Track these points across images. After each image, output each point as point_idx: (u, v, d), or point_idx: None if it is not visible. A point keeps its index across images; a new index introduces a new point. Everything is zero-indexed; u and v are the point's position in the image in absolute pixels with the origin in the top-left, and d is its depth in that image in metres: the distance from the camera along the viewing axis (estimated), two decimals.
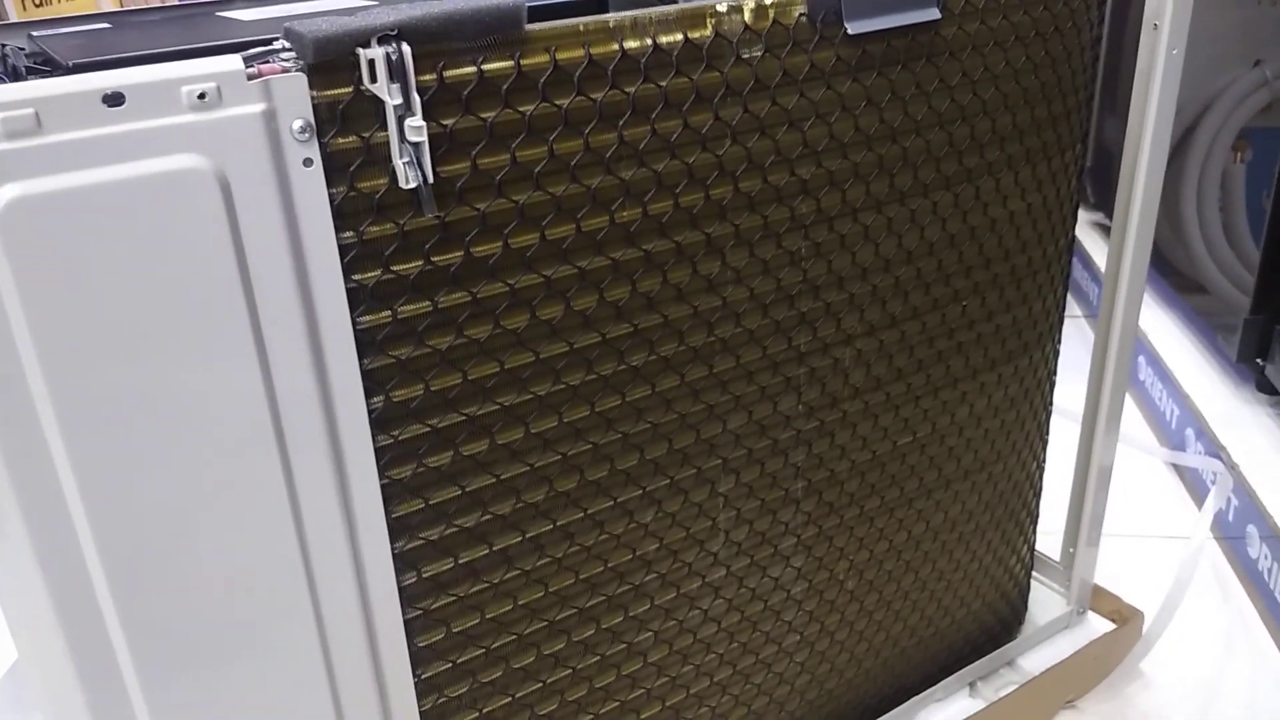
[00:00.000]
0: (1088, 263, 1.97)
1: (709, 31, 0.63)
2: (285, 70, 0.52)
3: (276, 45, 0.53)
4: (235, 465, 0.56)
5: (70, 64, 0.56)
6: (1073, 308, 1.97)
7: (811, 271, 0.74)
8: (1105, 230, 2.06)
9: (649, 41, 0.61)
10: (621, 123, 0.62)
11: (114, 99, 0.48)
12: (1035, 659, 1.08)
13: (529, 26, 0.58)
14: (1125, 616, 1.11)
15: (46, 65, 0.59)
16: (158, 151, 0.49)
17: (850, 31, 0.68)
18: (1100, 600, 1.13)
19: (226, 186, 0.51)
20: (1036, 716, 1.07)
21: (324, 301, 0.56)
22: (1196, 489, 1.41)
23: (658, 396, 0.71)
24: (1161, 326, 1.71)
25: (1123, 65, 1.94)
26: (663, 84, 0.63)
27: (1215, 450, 1.37)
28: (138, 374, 0.52)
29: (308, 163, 0.53)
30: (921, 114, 0.74)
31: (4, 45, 0.66)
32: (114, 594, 0.55)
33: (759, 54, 0.65)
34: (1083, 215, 2.17)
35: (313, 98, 0.52)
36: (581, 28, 0.59)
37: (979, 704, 1.03)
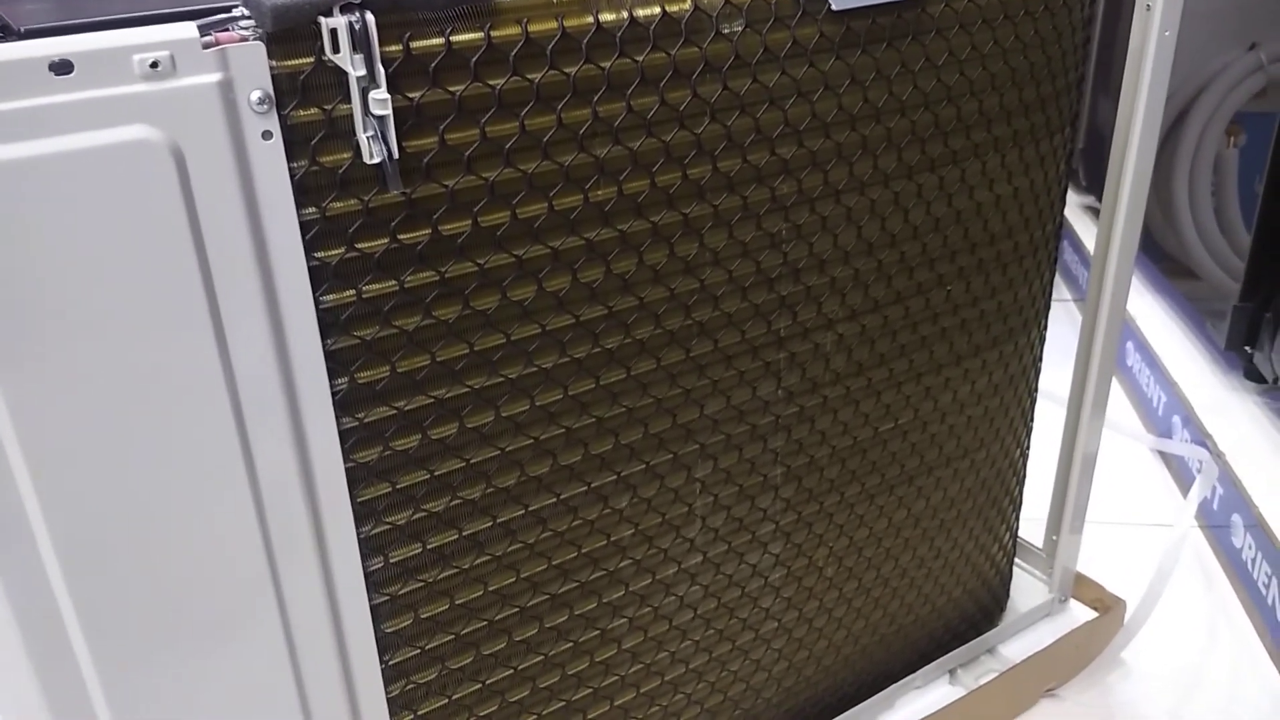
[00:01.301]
0: (1078, 246, 1.96)
1: (688, 5, 0.61)
2: (243, 39, 0.50)
3: (235, 12, 0.51)
4: (193, 447, 0.54)
5: (22, 29, 0.54)
6: (1063, 291, 1.96)
7: (792, 254, 0.72)
8: (1097, 213, 2.05)
9: (625, 14, 0.59)
10: (596, 98, 0.60)
11: (62, 67, 0.46)
12: (1016, 646, 1.07)
13: None
14: (1107, 605, 1.10)
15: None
16: (108, 122, 0.47)
17: (835, 7, 0.66)
18: (1083, 588, 1.12)
19: (181, 159, 0.49)
20: (1017, 704, 1.06)
21: (285, 280, 0.54)
22: (1183, 477, 1.40)
23: (633, 380, 0.69)
24: (1151, 312, 1.70)
25: (1117, 45, 1.92)
26: (639, 59, 0.61)
27: (1201, 438, 1.36)
28: (89, 354, 0.50)
29: (267, 135, 0.51)
30: (907, 94, 0.72)
31: None
32: (69, 582, 0.54)
33: (739, 29, 0.64)
34: (1074, 198, 2.16)
35: (272, 68, 0.50)
36: None
37: (959, 691, 1.02)
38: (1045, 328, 0.94)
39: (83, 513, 0.52)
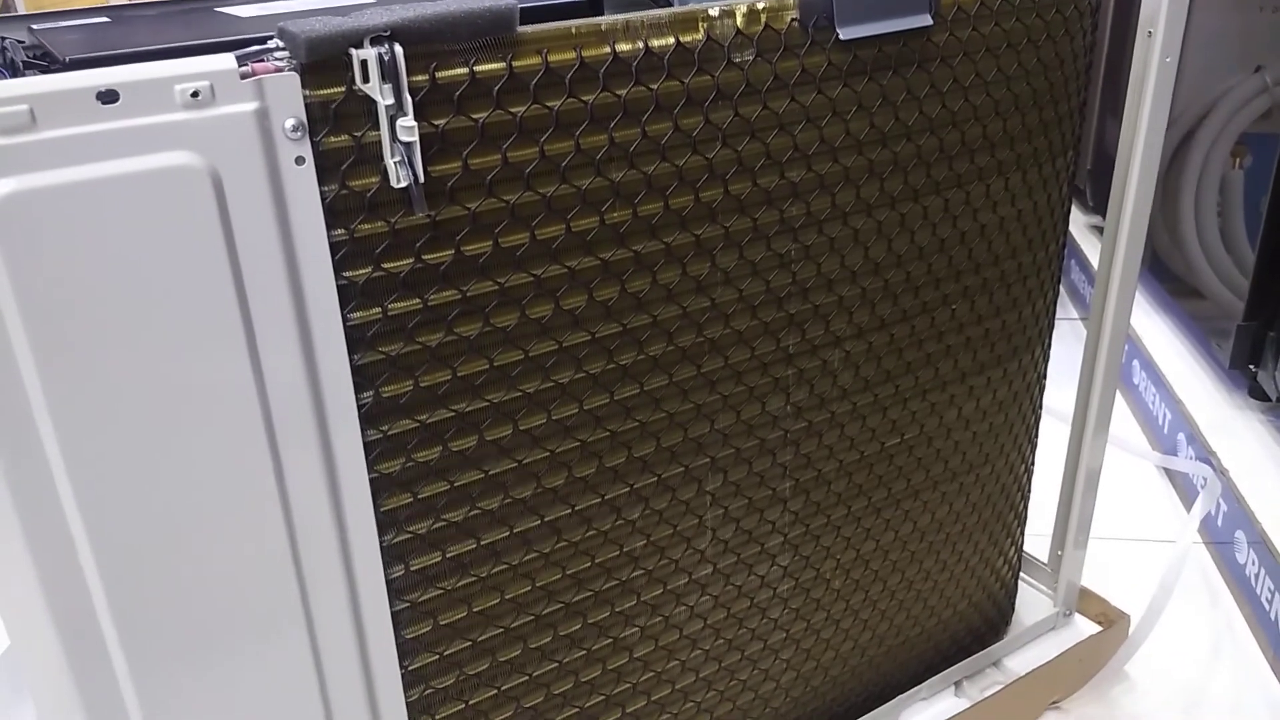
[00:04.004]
0: (1085, 265, 1.97)
1: (701, 35, 0.64)
2: (278, 69, 0.52)
3: (270, 44, 0.54)
4: (226, 457, 0.57)
5: (67, 59, 0.57)
6: (1071, 310, 1.97)
7: (800, 274, 0.75)
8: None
9: (640, 45, 0.62)
10: (612, 125, 0.62)
11: (108, 96, 0.49)
12: (1021, 659, 1.09)
13: (521, 28, 0.58)
14: (1111, 619, 1.12)
15: (44, 60, 0.60)
16: (151, 148, 0.50)
17: (842, 37, 0.69)
18: (1087, 602, 1.13)
19: (219, 183, 0.52)
20: (1021, 717, 1.08)
21: (315, 298, 0.56)
22: (1187, 494, 1.41)
23: (646, 395, 0.71)
24: (1157, 331, 1.72)
25: (1125, 68, 1.94)
26: (654, 87, 0.63)
27: (1206, 455, 1.38)
28: (130, 369, 0.53)
29: (300, 161, 0.54)
30: (913, 119, 0.74)
31: (4, 39, 0.66)
32: (106, 586, 0.56)
33: (750, 58, 0.66)
34: (1082, 218, 2.18)
35: (305, 97, 0.53)
36: (574, 30, 0.60)
37: (964, 703, 1.04)
38: (1049, 346, 0.96)
39: (120, 519, 0.55)
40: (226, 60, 0.51)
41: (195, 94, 0.50)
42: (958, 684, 1.06)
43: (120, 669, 0.58)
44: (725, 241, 0.70)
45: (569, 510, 0.72)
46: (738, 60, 0.66)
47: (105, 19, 0.72)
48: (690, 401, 0.74)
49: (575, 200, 0.63)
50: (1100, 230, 2.09)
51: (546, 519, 0.71)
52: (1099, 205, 2.10)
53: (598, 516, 0.73)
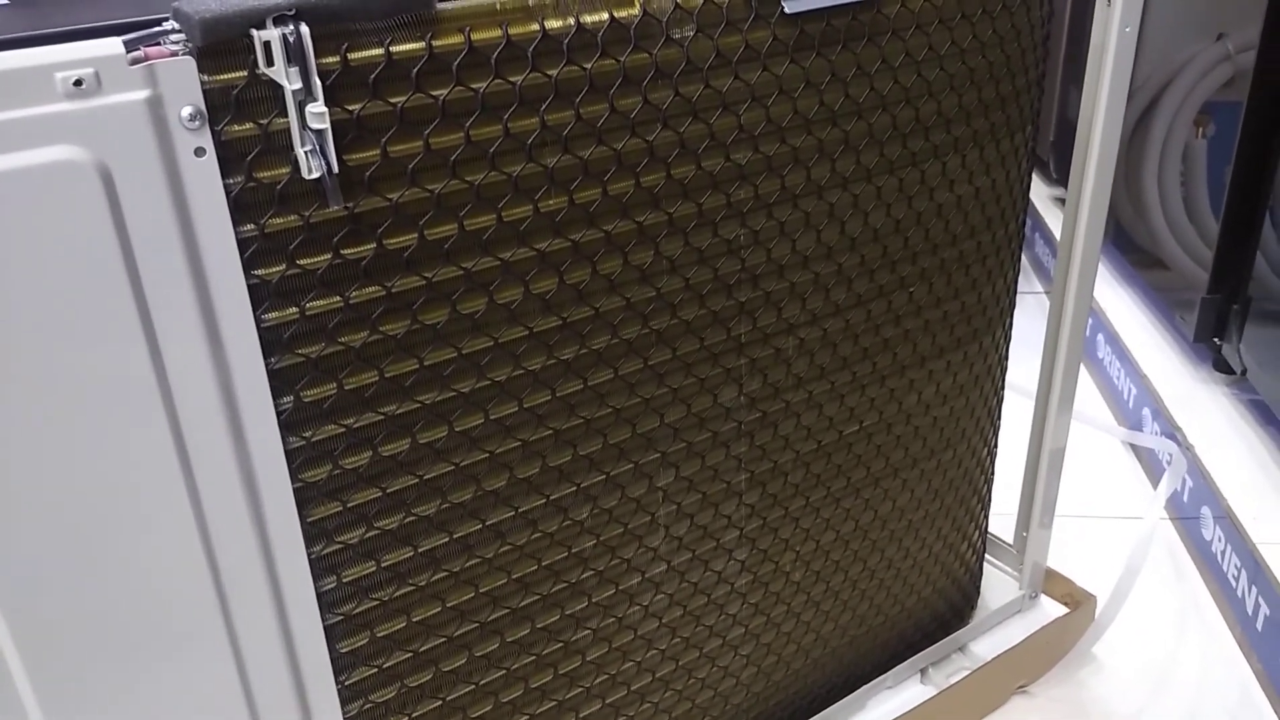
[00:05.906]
0: (1049, 239, 1.96)
1: (637, 10, 0.60)
2: (172, 54, 0.48)
3: (165, 26, 0.49)
4: (129, 469, 0.53)
5: None
6: (1036, 284, 1.95)
7: (750, 260, 0.71)
8: None
9: (571, 21, 0.58)
10: (543, 107, 0.59)
11: None
12: (987, 644, 1.07)
13: (441, 5, 0.54)
14: (1078, 600, 1.10)
15: None
16: (30, 143, 0.46)
17: (787, 10, 0.65)
18: (1053, 584, 1.12)
19: (109, 179, 0.48)
20: (988, 702, 1.06)
21: (223, 299, 0.53)
22: (1153, 469, 1.40)
23: (590, 391, 0.68)
24: (1122, 304, 1.70)
25: (1087, 37, 1.92)
26: (587, 66, 0.59)
27: (1171, 430, 1.36)
28: (21, 381, 0.49)
29: (199, 152, 0.50)
30: (864, 96, 0.71)
31: None
32: (4, 608, 0.52)
33: (690, 34, 0.62)
34: (1046, 190, 2.16)
35: (203, 83, 0.49)
36: (498, 6, 0.56)
37: (930, 690, 1.02)
38: (1010, 327, 0.94)
39: (12, 531, 0.51)
40: (113, 45, 0.47)
41: (78, 82, 0.46)
42: (924, 671, 1.04)
43: (25, 694, 0.55)
44: (669, 228, 0.67)
45: (512, 513, 0.68)
46: (677, 36, 0.62)
47: (4, 1, 0.67)
48: (638, 396, 0.70)
49: (506, 188, 0.59)
50: (1064, 202, 2.08)
51: (488, 523, 0.67)
52: (1063, 177, 2.08)
53: (543, 518, 0.70)
